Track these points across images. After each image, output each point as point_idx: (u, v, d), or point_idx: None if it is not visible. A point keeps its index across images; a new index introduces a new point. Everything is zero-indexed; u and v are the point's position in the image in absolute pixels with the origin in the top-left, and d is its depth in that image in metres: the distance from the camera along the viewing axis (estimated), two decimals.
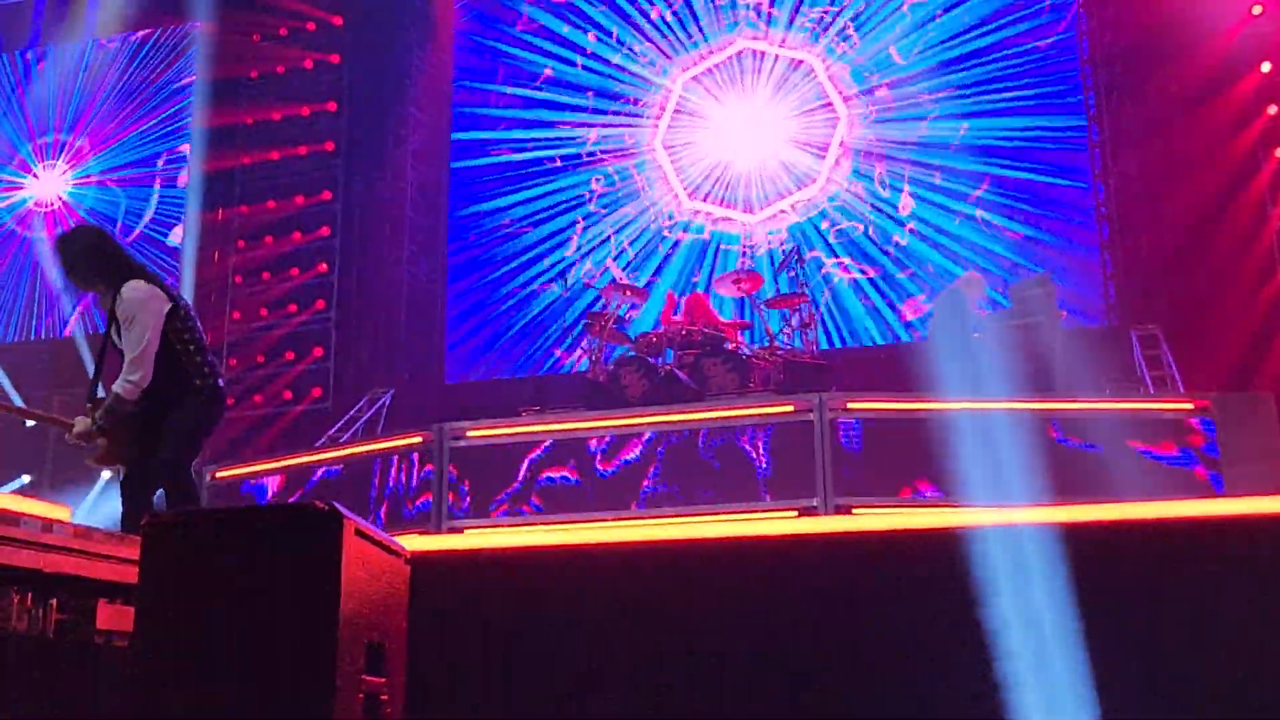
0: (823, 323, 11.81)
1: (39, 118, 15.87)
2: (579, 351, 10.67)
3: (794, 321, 10.06)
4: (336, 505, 2.79)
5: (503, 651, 4.50)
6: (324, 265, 14.37)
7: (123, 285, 5.02)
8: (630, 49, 14.06)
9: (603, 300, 10.69)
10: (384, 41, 14.86)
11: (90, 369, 5.50)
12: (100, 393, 5.16)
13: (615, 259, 13.55)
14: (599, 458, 8.00)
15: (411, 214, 14.47)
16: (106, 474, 10.54)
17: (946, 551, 4.25)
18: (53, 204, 15.52)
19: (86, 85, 15.77)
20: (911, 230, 12.55)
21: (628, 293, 10.58)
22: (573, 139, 14.17)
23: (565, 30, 14.37)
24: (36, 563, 3.38)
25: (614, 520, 7.61)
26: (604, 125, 14.07)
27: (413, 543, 3.98)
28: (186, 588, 2.82)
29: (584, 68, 14.25)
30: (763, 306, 10.22)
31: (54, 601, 3.52)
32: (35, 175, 15.68)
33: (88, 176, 15.52)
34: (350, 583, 2.83)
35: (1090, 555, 4.12)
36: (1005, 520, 4.36)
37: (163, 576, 2.84)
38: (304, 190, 14.53)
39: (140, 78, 15.64)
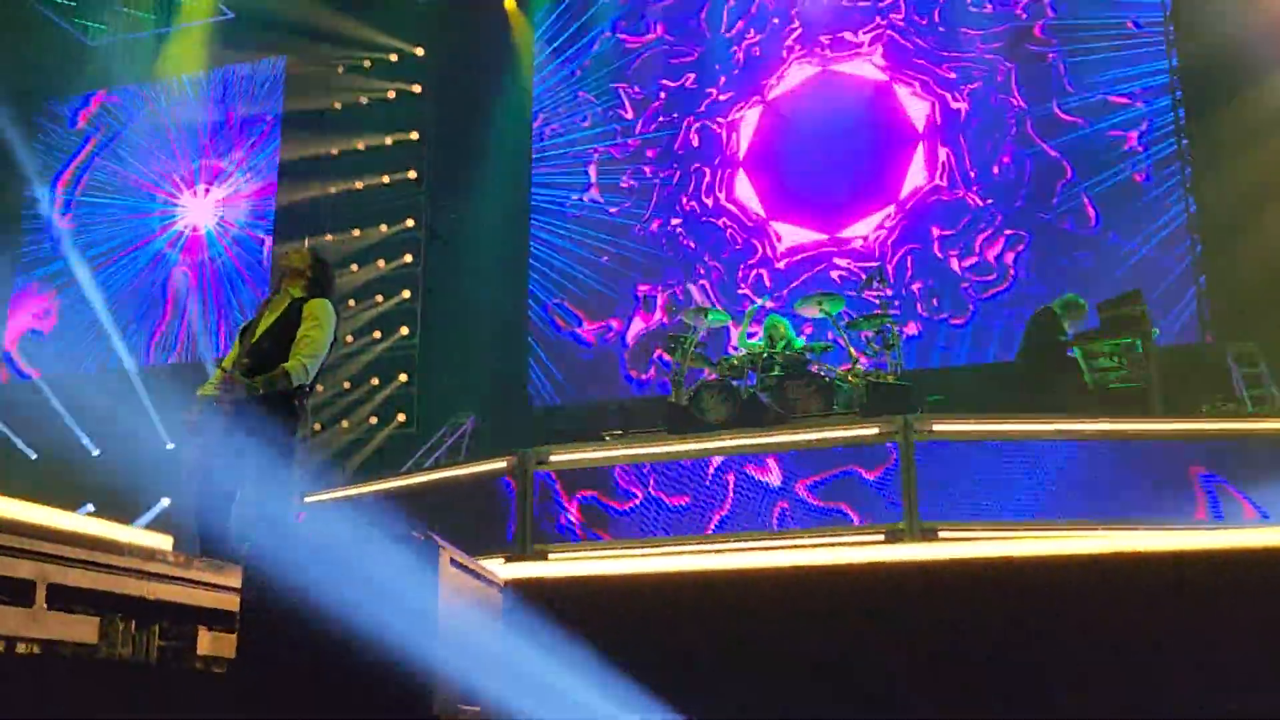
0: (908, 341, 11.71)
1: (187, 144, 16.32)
2: (661, 375, 10.65)
3: (877, 342, 9.94)
4: (433, 535, 2.82)
5: (592, 674, 4.50)
6: (407, 291, 14.62)
7: (326, 297, 5.76)
8: (708, 68, 14.14)
9: (685, 322, 10.66)
10: (464, 70, 15.08)
11: None
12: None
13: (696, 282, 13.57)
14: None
15: (493, 239, 14.63)
16: None
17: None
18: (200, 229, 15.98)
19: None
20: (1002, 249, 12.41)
21: (710, 315, 10.54)
22: (652, 161, 14.25)
23: (644, 56, 14.48)
24: (141, 590, 3.45)
25: (698, 545, 7.56)
26: (678, 147, 14.13)
27: (502, 570, 4.00)
28: (287, 617, 2.86)
29: (664, 93, 14.34)
30: (845, 327, 10.11)
31: (156, 628, 3.59)
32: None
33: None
34: (447, 611, 2.85)
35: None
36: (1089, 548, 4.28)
37: (263, 605, 2.88)
38: (388, 218, 14.81)
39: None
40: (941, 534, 7.12)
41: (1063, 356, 9.47)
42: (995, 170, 12.64)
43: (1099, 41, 12.43)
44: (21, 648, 3.06)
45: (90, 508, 13.64)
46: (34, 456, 15.32)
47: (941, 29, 13.17)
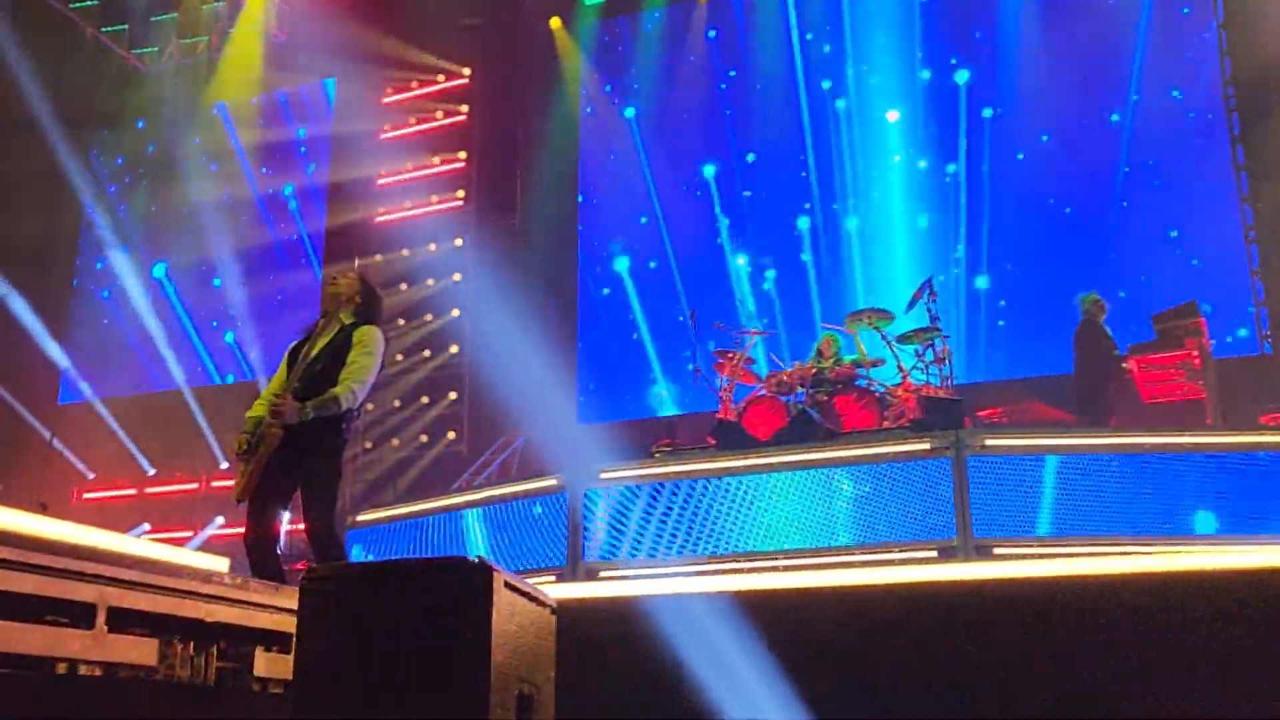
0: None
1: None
2: (710, 391, 10.63)
3: (928, 356, 9.85)
4: (486, 559, 2.83)
5: (644, 697, 4.49)
6: (457, 310, 14.70)
7: (375, 324, 5.84)
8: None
9: (734, 338, 10.64)
10: (511, 92, 15.19)
11: None
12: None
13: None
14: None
15: (542, 257, 14.69)
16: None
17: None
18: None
19: None
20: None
21: (758, 331, 10.52)
22: (703, 175, 14.28)
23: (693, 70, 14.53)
24: (198, 612, 3.49)
25: (748, 562, 7.53)
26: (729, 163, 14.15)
27: (554, 591, 4.00)
28: (343, 639, 2.88)
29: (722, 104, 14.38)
30: (895, 342, 10.04)
31: (214, 650, 3.63)
32: None
33: None
34: (501, 634, 2.85)
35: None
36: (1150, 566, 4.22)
37: (321, 627, 2.90)
38: (436, 238, 14.90)
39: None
40: (996, 551, 7.05)
41: (1117, 368, 9.35)
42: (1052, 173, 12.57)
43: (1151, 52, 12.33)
44: (84, 669, 3.11)
45: (146, 527, 13.84)
46: (91, 476, 15.58)
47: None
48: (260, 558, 5.32)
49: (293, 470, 5.44)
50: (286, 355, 5.88)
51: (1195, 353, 8.90)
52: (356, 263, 14.86)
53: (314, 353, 5.65)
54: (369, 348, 5.63)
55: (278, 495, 5.48)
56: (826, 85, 13.81)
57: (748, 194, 14.01)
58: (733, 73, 14.36)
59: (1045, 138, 12.66)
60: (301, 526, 5.69)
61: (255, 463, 5.38)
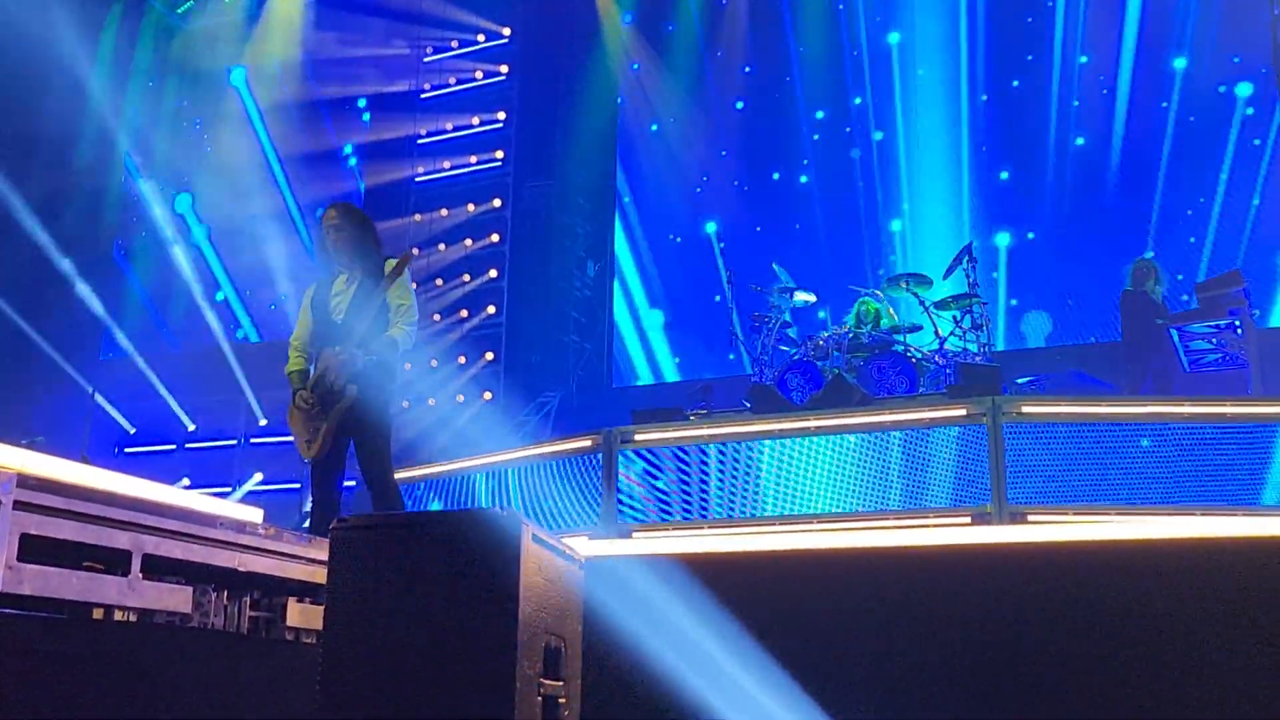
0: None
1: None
2: (745, 354, 10.62)
3: (965, 323, 9.79)
4: (515, 512, 2.84)
5: (673, 654, 4.50)
6: (495, 271, 14.73)
7: (378, 245, 5.69)
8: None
9: (770, 303, 10.60)
10: (551, 50, 15.13)
11: None
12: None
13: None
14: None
15: (579, 219, 14.68)
16: None
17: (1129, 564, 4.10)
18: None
19: None
20: None
21: (795, 295, 10.47)
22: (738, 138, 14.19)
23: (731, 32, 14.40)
24: (233, 562, 3.53)
25: (782, 526, 7.52)
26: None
27: (585, 547, 4.02)
28: (373, 590, 2.90)
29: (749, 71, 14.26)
30: (932, 308, 9.97)
31: (248, 599, 3.68)
32: None
33: None
34: (529, 587, 2.87)
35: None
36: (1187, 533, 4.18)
37: (351, 578, 2.93)
38: (475, 198, 14.92)
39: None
40: (1031, 517, 7.00)
41: (1159, 336, 9.24)
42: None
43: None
44: (119, 615, 3.15)
45: (186, 481, 14.01)
46: (133, 431, 15.77)
47: None
48: (326, 515, 5.31)
49: (349, 427, 5.46)
50: (307, 298, 5.77)
51: (1238, 322, 8.76)
52: (395, 221, 14.90)
53: (349, 308, 5.54)
54: (405, 298, 5.60)
55: (337, 452, 5.52)
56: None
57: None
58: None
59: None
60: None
61: (329, 421, 5.39)
